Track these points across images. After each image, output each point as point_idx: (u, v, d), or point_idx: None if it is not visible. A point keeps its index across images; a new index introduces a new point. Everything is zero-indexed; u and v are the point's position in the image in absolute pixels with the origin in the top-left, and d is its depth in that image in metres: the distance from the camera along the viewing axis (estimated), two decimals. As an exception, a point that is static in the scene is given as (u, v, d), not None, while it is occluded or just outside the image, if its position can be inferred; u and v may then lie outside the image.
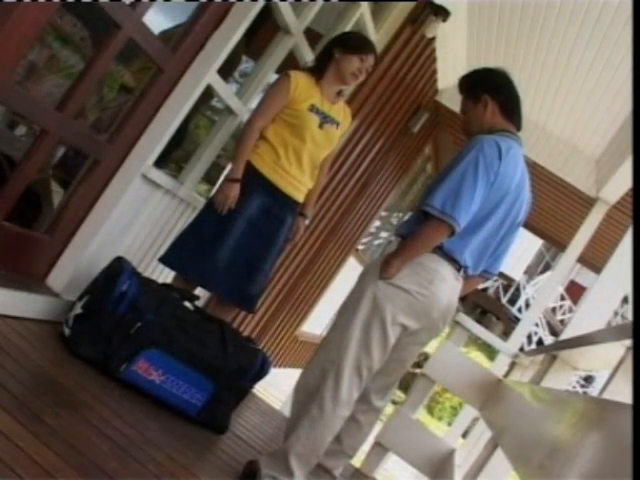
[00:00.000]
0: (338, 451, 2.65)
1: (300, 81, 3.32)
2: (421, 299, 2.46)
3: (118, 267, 2.90)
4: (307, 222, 3.64)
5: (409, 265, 2.45)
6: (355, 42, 3.42)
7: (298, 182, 3.39)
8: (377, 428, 3.44)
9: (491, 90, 2.66)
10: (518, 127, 2.69)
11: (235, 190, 3.23)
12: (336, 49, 3.37)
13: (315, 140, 3.36)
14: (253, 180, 3.29)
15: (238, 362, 2.94)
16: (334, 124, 3.42)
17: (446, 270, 2.50)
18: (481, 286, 19.79)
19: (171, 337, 2.82)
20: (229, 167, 3.35)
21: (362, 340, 2.45)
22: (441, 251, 2.49)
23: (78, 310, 2.83)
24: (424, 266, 2.47)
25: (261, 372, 3.04)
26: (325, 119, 3.37)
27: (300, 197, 3.45)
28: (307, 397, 2.49)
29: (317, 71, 3.40)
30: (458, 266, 2.53)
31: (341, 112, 3.49)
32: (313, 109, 3.33)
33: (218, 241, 3.24)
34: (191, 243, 3.28)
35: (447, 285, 2.50)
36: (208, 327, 2.97)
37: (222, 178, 3.36)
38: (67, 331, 2.80)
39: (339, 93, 3.47)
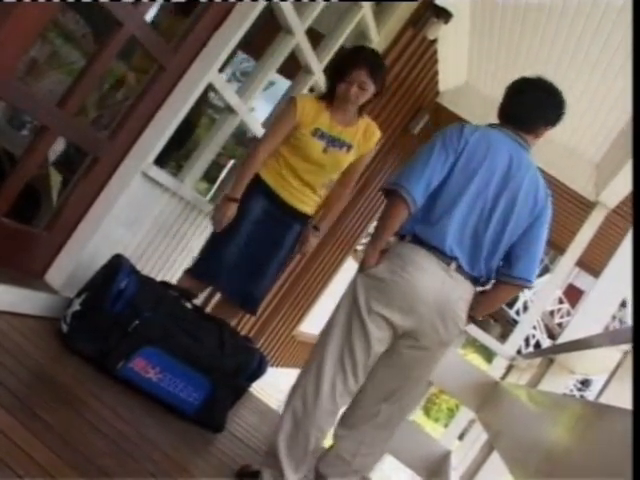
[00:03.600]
0: (333, 455, 2.60)
1: (307, 105, 3.26)
2: (393, 286, 2.39)
3: (116, 265, 2.90)
4: (318, 235, 3.55)
5: (387, 256, 2.44)
6: (334, 69, 3.37)
7: (302, 195, 3.37)
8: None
9: (503, 96, 2.72)
10: (521, 128, 2.62)
11: (232, 210, 3.21)
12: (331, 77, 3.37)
13: (319, 164, 3.31)
14: (257, 186, 3.29)
15: (235, 361, 2.94)
16: (344, 147, 3.32)
17: (426, 260, 2.41)
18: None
19: (168, 335, 2.82)
20: (230, 185, 3.33)
21: (343, 333, 2.45)
22: (419, 240, 2.43)
23: (76, 307, 2.83)
24: (399, 254, 2.43)
25: (258, 371, 3.04)
26: (332, 143, 3.29)
27: (306, 209, 3.42)
28: (292, 391, 2.49)
29: (327, 97, 3.34)
30: (447, 259, 2.42)
31: (359, 133, 3.36)
32: (317, 133, 3.27)
33: (225, 241, 3.26)
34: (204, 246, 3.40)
35: (429, 276, 2.40)
36: (206, 326, 2.97)
37: (222, 196, 3.32)
38: (65, 328, 2.80)
39: (359, 112, 3.36)
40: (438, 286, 2.41)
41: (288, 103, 3.31)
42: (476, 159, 2.48)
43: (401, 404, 2.58)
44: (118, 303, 2.80)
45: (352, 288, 2.49)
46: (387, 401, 2.56)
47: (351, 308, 2.46)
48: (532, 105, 2.65)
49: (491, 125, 2.65)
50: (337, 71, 3.29)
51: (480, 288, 2.61)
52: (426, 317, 2.42)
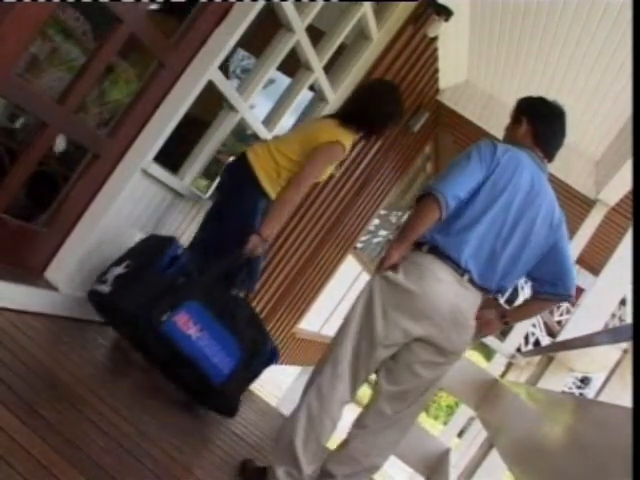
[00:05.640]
0: (345, 455, 2.62)
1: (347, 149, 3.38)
2: (410, 294, 2.44)
3: (165, 237, 3.08)
4: None
5: (404, 264, 2.48)
6: (393, 114, 3.48)
7: None
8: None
9: (531, 116, 2.74)
10: (547, 155, 2.72)
11: (262, 249, 3.24)
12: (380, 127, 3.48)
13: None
14: (261, 201, 3.34)
15: (254, 339, 3.01)
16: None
17: (442, 271, 2.46)
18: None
19: (212, 295, 2.91)
20: (267, 224, 3.23)
21: (357, 333, 2.50)
22: (437, 251, 2.47)
23: (120, 271, 2.90)
24: (416, 264, 2.48)
25: (272, 358, 3.11)
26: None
27: None
28: (306, 388, 2.53)
29: (360, 128, 3.42)
30: (461, 270, 2.47)
31: None
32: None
33: None
34: None
35: (443, 286, 2.45)
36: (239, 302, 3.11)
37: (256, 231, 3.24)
38: (106, 289, 2.86)
39: None
40: (452, 296, 2.47)
41: (338, 150, 3.31)
42: (503, 180, 2.54)
43: (412, 406, 2.62)
44: (171, 268, 2.90)
45: (369, 290, 2.53)
46: (400, 403, 2.60)
47: (366, 310, 2.51)
48: (559, 136, 2.76)
49: (518, 145, 2.69)
50: (396, 116, 3.49)
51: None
52: (440, 325, 2.47)
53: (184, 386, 2.99)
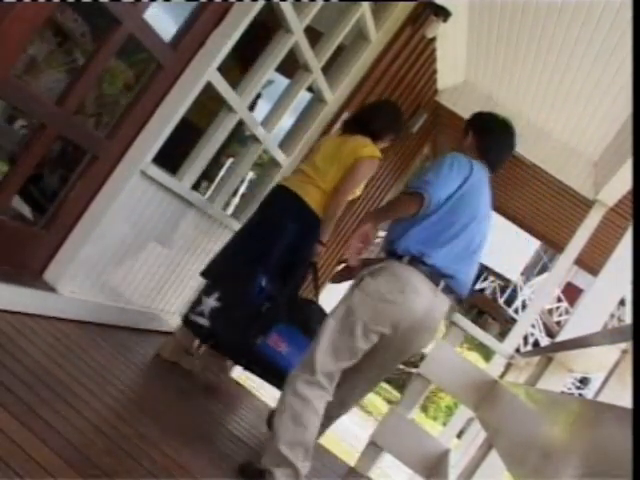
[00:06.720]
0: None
1: None
2: (391, 307, 2.58)
3: (249, 267, 3.28)
4: None
5: (383, 275, 2.60)
6: (401, 129, 3.89)
7: None
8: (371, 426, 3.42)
9: (476, 129, 2.94)
10: (490, 166, 2.87)
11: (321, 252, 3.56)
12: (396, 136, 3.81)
13: None
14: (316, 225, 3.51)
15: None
16: None
17: (420, 283, 2.61)
18: (478, 286, 19.87)
19: (292, 311, 3.26)
20: (325, 234, 3.51)
21: (334, 338, 2.59)
22: (417, 262, 2.60)
23: (213, 304, 3.24)
24: (397, 276, 2.60)
25: None
26: None
27: None
28: (288, 384, 2.63)
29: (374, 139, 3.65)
30: (437, 279, 2.63)
31: None
32: None
33: None
34: None
35: (421, 297, 2.61)
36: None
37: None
38: (206, 322, 3.22)
39: None
40: (427, 306, 2.65)
41: (378, 165, 3.65)
42: (476, 196, 2.74)
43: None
44: (259, 296, 3.25)
45: (348, 302, 2.63)
46: (357, 393, 2.92)
47: (344, 319, 2.61)
48: (503, 149, 2.96)
49: (477, 160, 2.84)
50: (396, 129, 3.77)
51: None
52: (411, 331, 2.66)
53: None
